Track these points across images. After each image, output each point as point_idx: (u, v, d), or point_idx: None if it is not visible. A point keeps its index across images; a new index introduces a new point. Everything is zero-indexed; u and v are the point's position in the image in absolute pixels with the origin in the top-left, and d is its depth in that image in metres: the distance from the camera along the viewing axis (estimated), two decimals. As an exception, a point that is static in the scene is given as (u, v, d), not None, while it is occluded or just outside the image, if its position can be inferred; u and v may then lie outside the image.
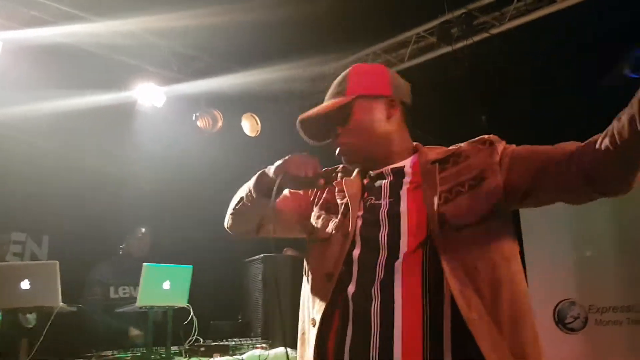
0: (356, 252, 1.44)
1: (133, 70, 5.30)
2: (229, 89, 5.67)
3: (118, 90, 5.16)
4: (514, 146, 1.44)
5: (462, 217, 1.35)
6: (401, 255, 1.37)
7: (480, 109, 6.15)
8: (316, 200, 1.67)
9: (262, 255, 4.66)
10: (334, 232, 1.51)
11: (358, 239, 1.46)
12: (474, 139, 1.51)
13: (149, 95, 5.42)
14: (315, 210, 1.64)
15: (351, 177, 1.63)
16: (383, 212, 1.46)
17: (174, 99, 5.53)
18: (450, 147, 1.53)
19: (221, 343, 3.69)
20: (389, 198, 1.49)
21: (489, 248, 1.34)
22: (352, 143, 1.57)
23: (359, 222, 1.49)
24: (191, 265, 3.82)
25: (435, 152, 1.54)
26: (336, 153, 1.61)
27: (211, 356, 3.48)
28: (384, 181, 1.55)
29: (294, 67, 5.40)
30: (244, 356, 3.61)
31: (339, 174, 1.68)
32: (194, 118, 5.66)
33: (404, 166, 1.55)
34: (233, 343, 3.72)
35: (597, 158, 1.23)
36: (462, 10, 4.99)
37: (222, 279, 5.05)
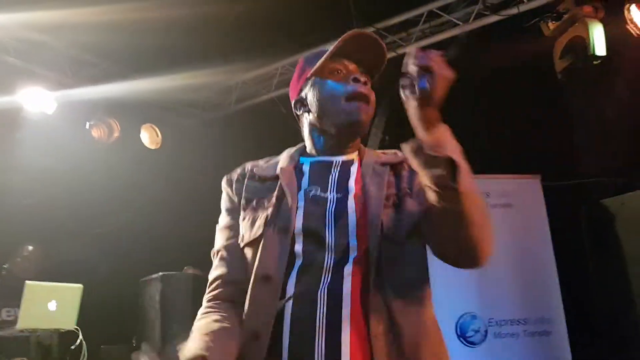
0: (298, 249, 1.27)
1: (18, 72, 4.84)
2: (128, 97, 5.35)
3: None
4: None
5: (397, 228, 1.29)
6: (350, 259, 1.25)
7: (385, 128, 6.28)
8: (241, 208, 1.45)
9: (160, 273, 4.38)
10: (265, 228, 1.31)
11: (300, 233, 1.28)
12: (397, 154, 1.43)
13: (38, 101, 4.98)
14: (242, 214, 1.42)
15: (282, 165, 1.42)
16: (330, 208, 1.30)
17: (66, 105, 5.11)
18: (398, 154, 1.41)
19: (113, 369, 3.38)
20: (336, 192, 1.34)
21: (418, 267, 1.33)
22: (370, 110, 1.39)
23: (300, 214, 1.30)
24: (80, 284, 3.50)
25: (383, 154, 1.45)
26: (355, 107, 1.35)
27: (102, 383, 3.17)
28: (331, 173, 1.39)
29: (198, 76, 5.19)
30: (139, 382, 3.31)
31: (248, 174, 1.47)
32: (87, 127, 5.28)
33: (353, 160, 1.43)
34: (127, 368, 3.42)
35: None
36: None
37: (115, 299, 4.69)
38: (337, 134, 1.39)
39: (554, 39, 4.30)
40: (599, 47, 3.82)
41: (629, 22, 3.86)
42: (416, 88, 1.11)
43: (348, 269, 1.24)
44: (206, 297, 1.40)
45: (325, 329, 1.19)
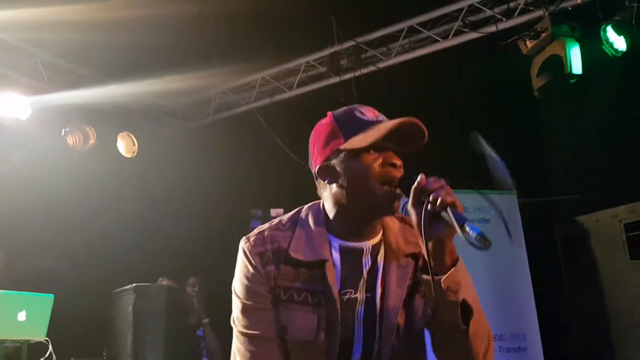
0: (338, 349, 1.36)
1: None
2: (104, 104, 5.28)
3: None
4: None
5: (411, 326, 1.37)
6: (373, 355, 1.37)
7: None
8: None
9: (134, 285, 4.27)
10: (317, 331, 1.34)
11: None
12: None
13: (12, 106, 4.87)
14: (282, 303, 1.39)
15: (324, 255, 1.37)
16: (359, 310, 1.37)
17: (41, 111, 5.01)
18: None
19: (83, 382, 3.29)
20: (366, 292, 1.38)
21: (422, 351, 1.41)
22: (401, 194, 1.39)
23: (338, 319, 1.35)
24: (52, 294, 3.40)
25: (408, 238, 1.44)
26: (390, 194, 1.34)
27: (71, 397, 3.08)
28: (362, 268, 1.40)
29: (177, 81, 5.13)
30: (109, 395, 3.23)
31: (283, 256, 1.40)
32: (62, 134, 5.18)
33: (380, 245, 1.42)
34: (97, 381, 3.33)
35: None
36: (352, 43, 5.09)
37: (86, 310, 4.56)
38: (368, 217, 1.38)
39: (531, 58, 4.37)
40: (576, 65, 3.89)
41: (604, 42, 3.94)
42: (464, 231, 1.18)
43: None
44: None
45: None
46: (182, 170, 5.80)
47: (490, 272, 4.93)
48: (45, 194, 5.04)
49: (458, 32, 4.70)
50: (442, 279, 1.23)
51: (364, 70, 5.11)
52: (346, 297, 1.36)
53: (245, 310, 1.38)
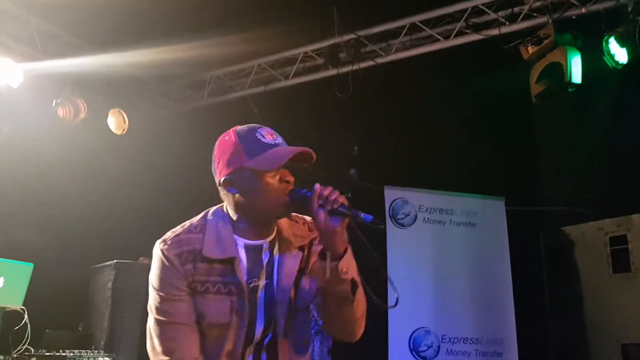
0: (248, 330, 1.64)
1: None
2: (98, 79, 5.20)
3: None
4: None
5: (298, 302, 1.69)
6: (272, 333, 1.68)
7: (354, 138, 6.28)
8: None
9: (114, 261, 4.23)
10: (230, 314, 1.61)
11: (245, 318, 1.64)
12: (313, 227, 1.71)
13: (3, 73, 4.77)
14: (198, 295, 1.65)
15: (233, 253, 1.64)
16: (261, 295, 1.66)
17: (33, 80, 4.92)
18: (307, 223, 1.77)
19: (56, 353, 3.23)
20: (265, 279, 1.67)
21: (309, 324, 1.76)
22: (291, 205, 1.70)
23: (245, 302, 1.63)
24: (31, 264, 3.34)
25: (296, 233, 1.74)
26: (285, 205, 1.63)
27: (43, 367, 3.02)
28: (262, 260, 1.68)
29: (171, 56, 5.05)
30: (82, 370, 3.18)
31: (199, 256, 1.64)
32: (54, 105, 5.09)
33: (275, 241, 1.71)
34: (71, 354, 3.27)
35: None
36: (352, 36, 5.06)
37: (65, 283, 4.49)
38: (265, 221, 1.68)
39: (529, 67, 4.37)
40: (576, 74, 3.90)
41: (606, 53, 3.95)
42: (356, 219, 1.54)
43: (272, 339, 1.66)
44: None
45: None
46: (172, 151, 5.73)
47: (472, 277, 4.95)
48: (32, 164, 4.95)
49: (460, 33, 4.70)
50: (338, 264, 1.56)
51: (362, 65, 5.08)
52: (251, 285, 1.64)
53: (163, 301, 1.60)
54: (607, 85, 4.42)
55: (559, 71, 3.95)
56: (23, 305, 3.16)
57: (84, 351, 3.46)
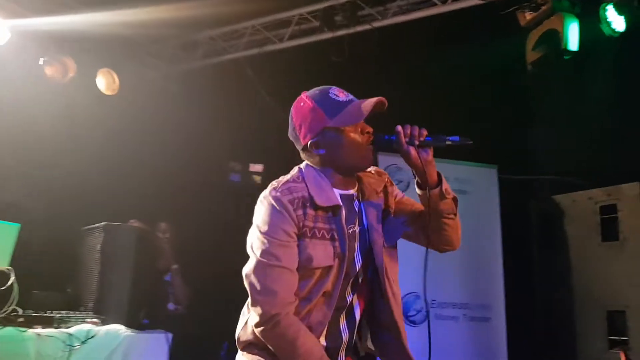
0: (347, 270, 1.80)
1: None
2: (87, 38, 5.07)
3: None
4: (399, 192, 1.97)
5: (388, 240, 1.87)
6: (371, 273, 1.88)
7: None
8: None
9: (103, 223, 4.18)
10: (334, 258, 1.76)
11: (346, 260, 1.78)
12: (381, 172, 1.96)
13: (-12, 29, 4.65)
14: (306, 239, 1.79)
15: (336, 201, 1.79)
16: (358, 240, 1.83)
17: (20, 36, 4.79)
18: (379, 172, 1.96)
19: (44, 314, 3.23)
20: (358, 225, 1.83)
21: (397, 258, 1.92)
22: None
23: (345, 246, 1.79)
24: (18, 224, 3.31)
25: (372, 183, 1.89)
26: (369, 156, 1.80)
27: (31, 327, 3.02)
28: (354, 208, 1.85)
29: (162, 30, 4.94)
30: (70, 330, 3.19)
31: (309, 202, 1.78)
32: (41, 62, 4.98)
33: (359, 192, 1.88)
34: (59, 315, 3.28)
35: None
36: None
37: (53, 245, 4.49)
38: (351, 173, 1.83)
39: (526, 34, 4.30)
40: (573, 42, 3.83)
41: (603, 21, 3.88)
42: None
43: (377, 281, 1.84)
44: (286, 309, 1.69)
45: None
46: (163, 113, 5.65)
47: (463, 242, 4.93)
48: (19, 123, 4.87)
49: (458, -3, 4.60)
50: (442, 186, 1.77)
51: (359, 28, 4.99)
52: (350, 230, 1.79)
53: (272, 245, 1.70)
54: (603, 53, 4.35)
55: (556, 38, 3.88)
56: (10, 265, 3.14)
57: (72, 312, 3.46)
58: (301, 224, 1.73)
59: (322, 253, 1.73)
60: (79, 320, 3.41)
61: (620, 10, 3.86)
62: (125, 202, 4.98)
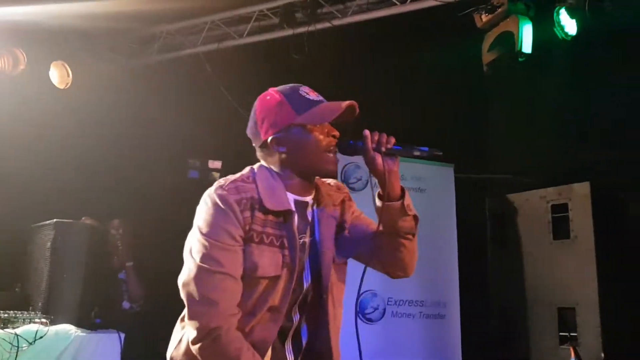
0: (295, 285, 1.66)
1: None
2: (39, 30, 4.92)
3: None
4: (358, 210, 1.85)
5: (339, 256, 1.75)
6: (322, 290, 1.72)
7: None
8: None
9: (54, 220, 4.07)
10: (282, 268, 1.62)
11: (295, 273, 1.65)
12: (341, 187, 1.85)
13: None
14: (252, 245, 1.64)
15: (288, 206, 1.66)
16: (308, 252, 1.70)
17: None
18: (339, 186, 1.84)
19: (-10, 314, 3.12)
20: (310, 236, 1.70)
21: (345, 278, 1.80)
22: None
23: (295, 257, 1.64)
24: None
25: (330, 193, 1.78)
26: (333, 160, 1.68)
27: (-25, 328, 2.92)
28: (307, 216, 1.71)
29: (118, 23, 4.83)
30: (17, 330, 3.09)
31: (258, 205, 1.64)
32: (-10, 54, 4.81)
33: (315, 199, 1.75)
34: (5, 315, 3.17)
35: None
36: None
37: (2, 242, 4.35)
38: (310, 177, 1.70)
39: (483, 34, 4.38)
40: (526, 44, 3.92)
41: (556, 24, 3.98)
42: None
43: (321, 299, 1.69)
44: (228, 322, 1.53)
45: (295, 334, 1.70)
46: (119, 108, 5.52)
47: (419, 241, 4.99)
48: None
49: (417, -2, 4.65)
50: (404, 201, 1.65)
51: (319, 26, 4.99)
52: (301, 240, 1.66)
53: (213, 249, 1.55)
54: (556, 56, 4.47)
55: (511, 40, 3.97)
56: (-46, 264, 3.03)
57: (19, 312, 3.35)
58: (248, 227, 1.58)
59: (269, 261, 1.58)
60: (27, 320, 3.31)
61: (572, 14, 3.97)
62: (78, 199, 4.86)
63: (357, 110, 1.67)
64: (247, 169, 1.72)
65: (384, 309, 4.86)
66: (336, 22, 4.99)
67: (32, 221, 4.29)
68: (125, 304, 4.44)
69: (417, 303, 4.98)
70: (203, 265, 1.53)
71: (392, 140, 1.64)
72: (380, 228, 1.68)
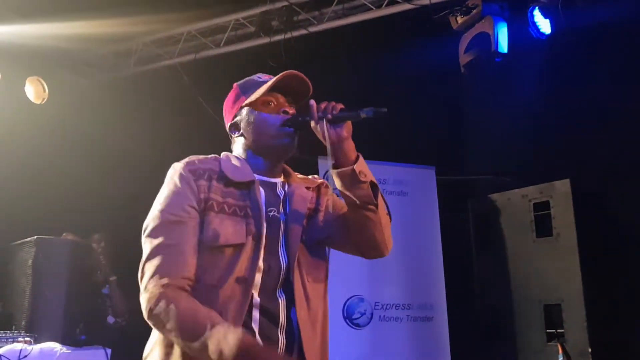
0: (264, 257, 1.60)
1: None
2: (13, 46, 4.86)
3: None
4: (335, 197, 1.79)
5: (311, 238, 1.69)
6: (292, 266, 1.63)
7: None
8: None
9: (35, 237, 4.01)
10: (247, 236, 1.57)
11: (264, 244, 1.60)
12: (319, 178, 1.84)
13: None
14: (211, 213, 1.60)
15: (252, 177, 1.64)
16: (282, 228, 1.65)
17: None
18: (314, 179, 1.82)
19: (-29, 335, 3.05)
20: (283, 214, 1.66)
21: (325, 265, 1.74)
22: (296, 136, 1.72)
23: (264, 228, 1.61)
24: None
25: (304, 179, 1.79)
26: (286, 136, 1.66)
27: (-45, 350, 2.85)
28: (278, 195, 1.69)
29: (95, 31, 4.80)
30: (0, 350, 3.02)
31: (217, 174, 1.64)
32: (-37, 71, 4.74)
33: (284, 183, 1.74)
34: (-12, 335, 3.11)
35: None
36: (284, 3, 4.95)
37: (-19, 262, 4.26)
38: (270, 156, 1.69)
39: (459, 36, 4.42)
40: (502, 44, 3.97)
41: (531, 24, 4.04)
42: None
43: (290, 273, 1.61)
44: (175, 284, 1.48)
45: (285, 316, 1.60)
46: (97, 122, 5.46)
47: (403, 243, 5.01)
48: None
49: (391, 2, 4.69)
50: (354, 167, 1.57)
51: (295, 33, 5.00)
52: (271, 214, 1.64)
53: (165, 223, 1.54)
54: (532, 55, 4.53)
55: (487, 41, 4.01)
56: None
57: (2, 332, 3.29)
58: (204, 196, 1.56)
59: (231, 229, 1.54)
60: (10, 340, 3.24)
61: (546, 13, 4.02)
62: (58, 215, 4.79)
63: (307, 83, 1.68)
64: (210, 156, 1.73)
65: (372, 314, 4.85)
66: (312, 29, 5.01)
67: (11, 239, 4.22)
68: (110, 319, 4.38)
69: (404, 306, 4.98)
70: (156, 240, 1.52)
71: (339, 106, 1.60)
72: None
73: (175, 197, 1.56)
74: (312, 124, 1.59)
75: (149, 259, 1.51)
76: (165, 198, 1.57)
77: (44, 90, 5.29)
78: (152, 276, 1.48)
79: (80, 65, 5.86)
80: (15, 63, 5.10)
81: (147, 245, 1.53)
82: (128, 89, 5.79)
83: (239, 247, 1.54)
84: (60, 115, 5.31)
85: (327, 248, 1.76)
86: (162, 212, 1.55)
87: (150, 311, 1.46)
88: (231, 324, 1.45)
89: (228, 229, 1.54)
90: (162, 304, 1.44)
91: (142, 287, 1.50)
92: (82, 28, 4.69)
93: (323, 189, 1.80)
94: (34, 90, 5.23)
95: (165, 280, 1.47)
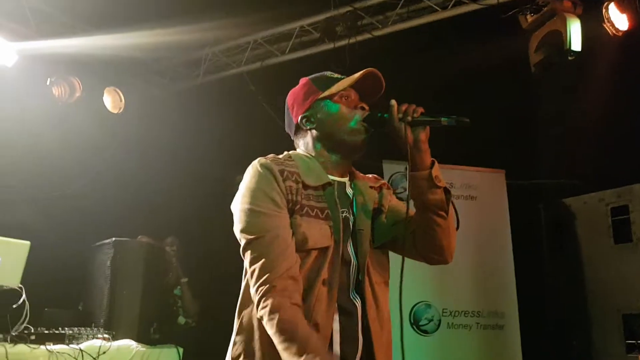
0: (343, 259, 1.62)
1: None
2: (93, 58, 5.13)
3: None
4: (395, 198, 1.81)
5: (377, 239, 1.69)
6: (363, 267, 1.65)
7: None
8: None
9: (113, 239, 4.21)
10: (332, 240, 1.59)
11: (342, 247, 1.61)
12: (379, 178, 1.83)
13: (-3, 51, 4.70)
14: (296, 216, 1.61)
15: (328, 179, 1.66)
16: (353, 229, 1.66)
17: (27, 59, 4.85)
18: (376, 178, 1.82)
19: (56, 331, 3.23)
20: (353, 215, 1.67)
21: (387, 266, 1.72)
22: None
23: (340, 231, 1.62)
24: (28, 242, 3.33)
25: (368, 178, 1.79)
26: (359, 133, 1.66)
27: (43, 344, 3.02)
28: (348, 195, 1.69)
29: (167, 39, 4.99)
30: (81, 346, 3.18)
31: (294, 177, 1.62)
32: (48, 83, 5.03)
33: (352, 183, 1.74)
34: (70, 332, 3.28)
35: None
36: (348, 9, 4.97)
37: (64, 262, 4.49)
38: (342, 152, 1.68)
39: (530, 35, 4.29)
40: (575, 42, 3.82)
41: (606, 21, 3.87)
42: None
43: (361, 273, 1.62)
44: (279, 283, 1.47)
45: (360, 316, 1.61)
46: (169, 130, 5.68)
47: (473, 250, 4.92)
48: (27, 144, 4.92)
49: (458, 3, 4.61)
50: (432, 170, 1.58)
51: (359, 38, 5.01)
52: (343, 215, 1.64)
53: (260, 216, 1.53)
54: (607, 53, 4.34)
55: (559, 39, 3.87)
56: (21, 283, 3.15)
57: (83, 329, 3.46)
58: (291, 197, 1.56)
59: (318, 232, 1.55)
60: (90, 336, 3.41)
61: (622, 9, 3.85)
62: (133, 218, 5.00)
63: (381, 79, 1.67)
64: (283, 154, 1.72)
65: (439, 320, 4.77)
66: (377, 33, 5.00)
67: (90, 241, 4.44)
68: (181, 319, 4.52)
69: (473, 314, 4.87)
70: (251, 237, 1.52)
71: (420, 110, 1.59)
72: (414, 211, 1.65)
73: (268, 190, 1.55)
74: (392, 124, 1.58)
75: (254, 258, 1.50)
76: (255, 194, 1.55)
77: (121, 100, 5.55)
78: (262, 269, 1.48)
79: (152, 76, 6.10)
80: (94, 74, 5.37)
81: (250, 243, 1.53)
82: (197, 97, 5.98)
83: (324, 250, 1.55)
84: (134, 124, 5.55)
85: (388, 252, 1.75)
86: (256, 206, 1.53)
87: (258, 308, 1.49)
88: (326, 332, 1.51)
89: (315, 233, 1.55)
90: (267, 307, 1.45)
91: (251, 282, 1.50)
92: (154, 37, 4.86)
93: (385, 190, 1.79)
94: (111, 100, 5.50)
95: (272, 277, 1.46)
